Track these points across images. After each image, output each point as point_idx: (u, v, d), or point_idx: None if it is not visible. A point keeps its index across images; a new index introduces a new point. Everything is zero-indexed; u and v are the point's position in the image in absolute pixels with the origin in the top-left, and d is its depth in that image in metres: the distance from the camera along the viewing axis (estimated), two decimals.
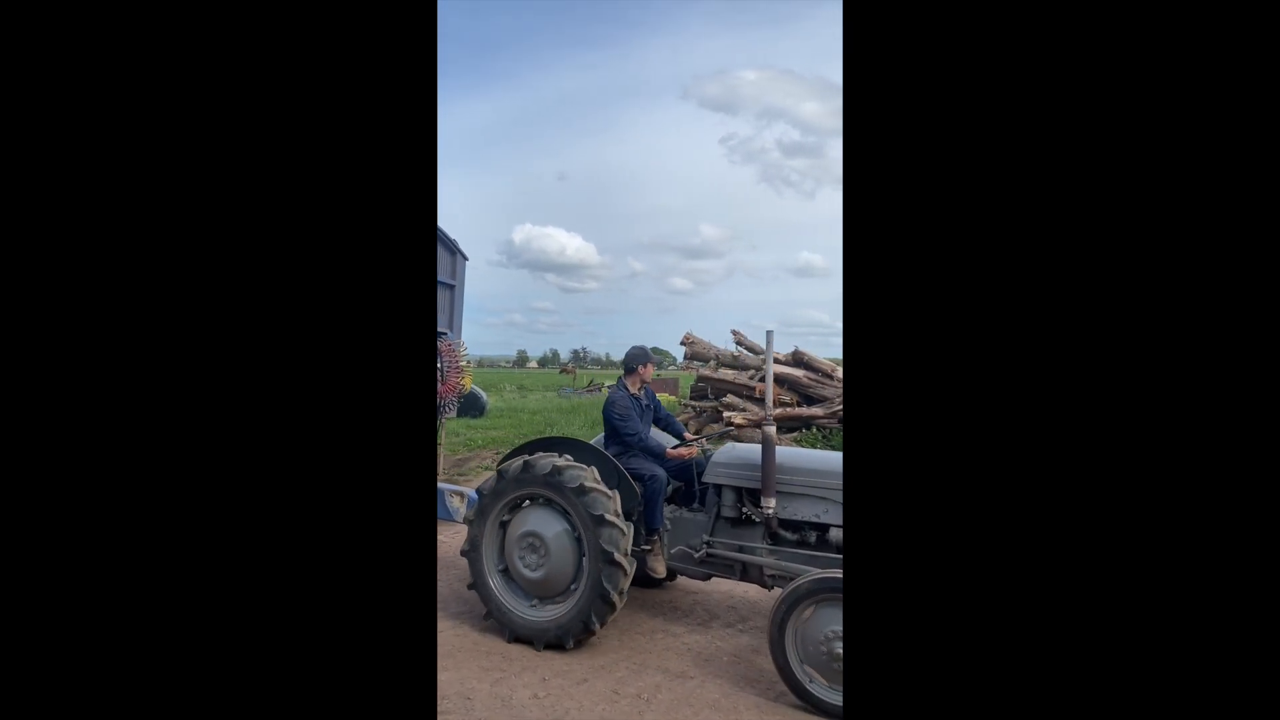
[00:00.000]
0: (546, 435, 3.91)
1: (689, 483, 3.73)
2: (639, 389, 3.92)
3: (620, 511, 3.33)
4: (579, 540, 3.36)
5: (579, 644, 3.37)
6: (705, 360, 11.09)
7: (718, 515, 3.58)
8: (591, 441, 3.77)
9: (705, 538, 3.53)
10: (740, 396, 9.87)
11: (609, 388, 3.99)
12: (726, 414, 9.38)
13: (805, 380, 9.65)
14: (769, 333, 3.47)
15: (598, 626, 3.31)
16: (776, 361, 10.15)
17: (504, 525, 3.60)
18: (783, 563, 3.34)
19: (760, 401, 9.66)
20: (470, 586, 3.61)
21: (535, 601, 3.49)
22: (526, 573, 3.45)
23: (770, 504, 3.33)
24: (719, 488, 3.57)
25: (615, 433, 3.70)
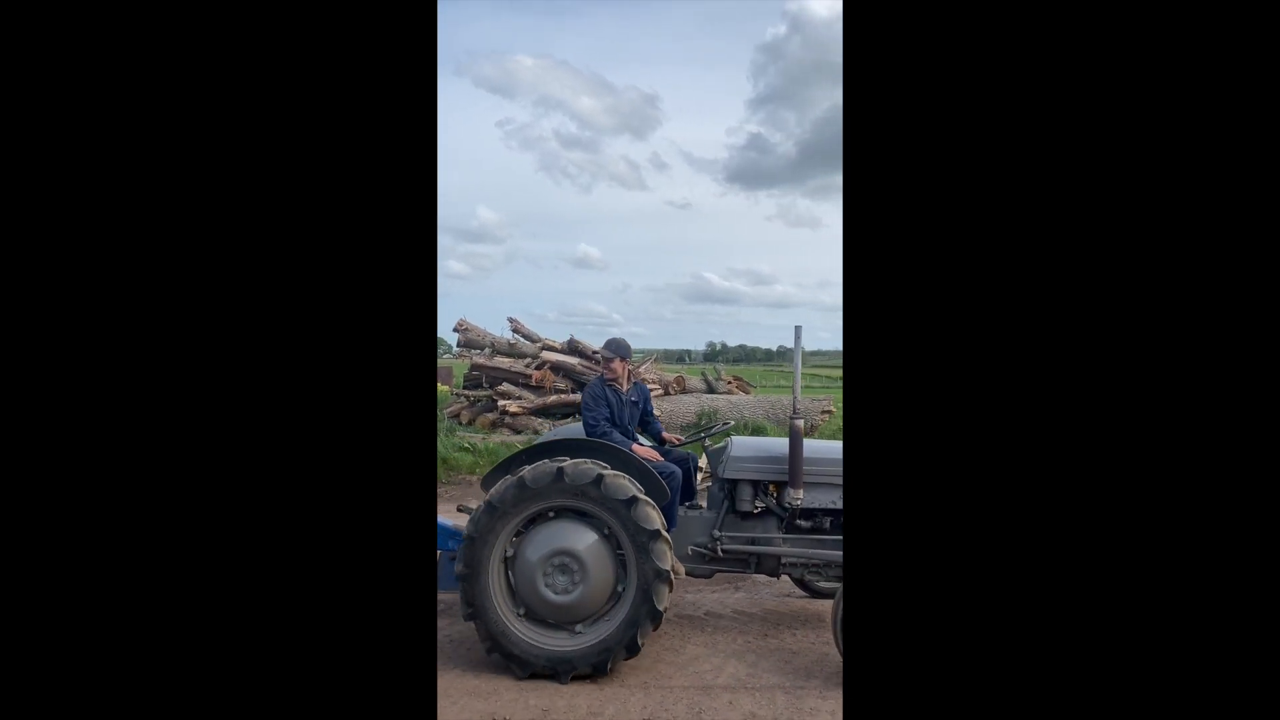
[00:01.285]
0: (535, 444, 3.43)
1: (686, 479, 3.59)
2: (626, 382, 3.74)
3: (644, 489, 3.11)
4: (613, 546, 3.10)
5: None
6: (480, 348, 10.89)
7: (729, 510, 3.54)
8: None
9: (716, 534, 3.47)
10: (516, 385, 9.88)
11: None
12: (503, 402, 9.34)
13: (579, 368, 9.99)
14: (797, 328, 3.47)
15: (663, 607, 3.04)
16: (552, 350, 10.35)
17: (508, 555, 3.10)
18: (803, 550, 3.46)
19: (537, 389, 9.77)
20: (490, 651, 3.04)
21: (580, 628, 3.10)
22: (555, 599, 3.04)
23: (799, 494, 3.39)
24: (733, 482, 3.53)
25: (586, 427, 3.52)
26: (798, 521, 3.51)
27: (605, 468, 3.08)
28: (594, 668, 3.04)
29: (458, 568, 3.07)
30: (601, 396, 3.61)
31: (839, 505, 3.44)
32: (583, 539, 3.08)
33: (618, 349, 3.73)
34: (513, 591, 3.12)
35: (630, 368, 3.80)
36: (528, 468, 3.07)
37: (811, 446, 3.57)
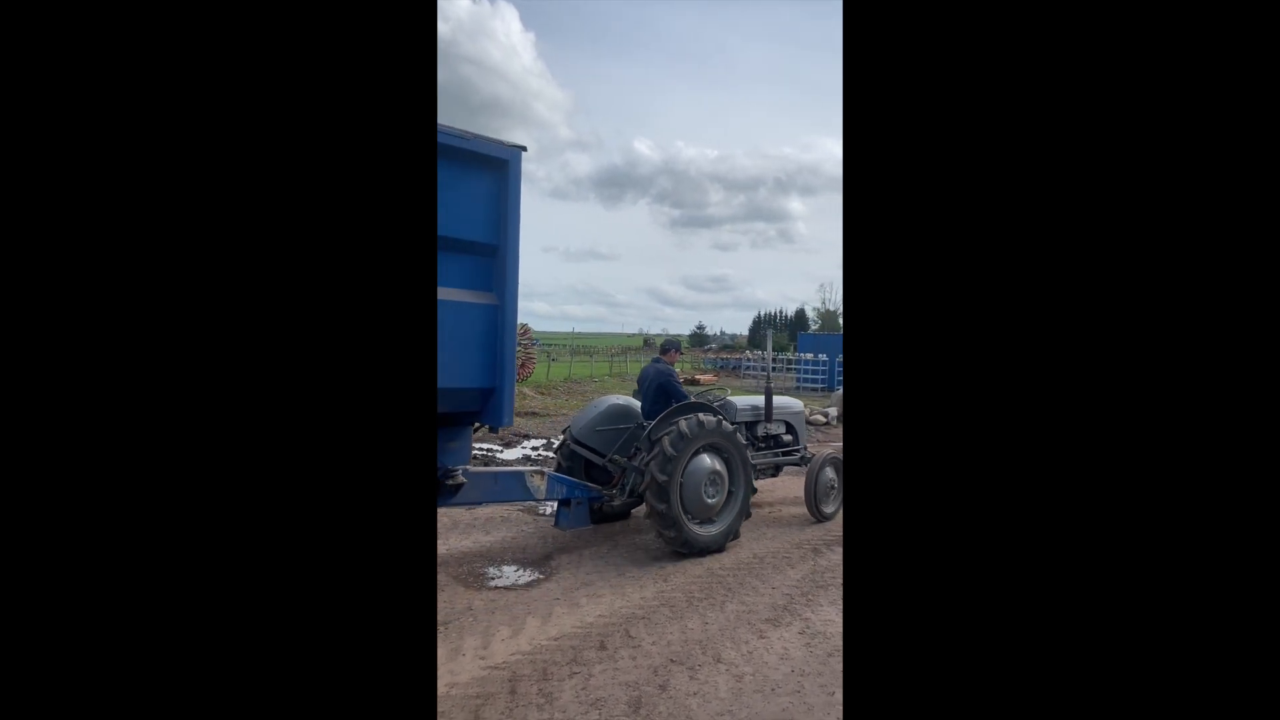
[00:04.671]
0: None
1: None
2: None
3: None
4: (728, 469, 5.07)
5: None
6: None
7: None
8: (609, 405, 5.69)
9: None
10: None
11: (652, 362, 5.74)
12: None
13: None
14: (767, 332, 7.25)
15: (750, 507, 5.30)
16: None
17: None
18: (763, 460, 6.00)
19: None
20: (672, 536, 4.71)
21: (698, 522, 4.90)
22: (709, 501, 4.92)
23: (770, 428, 6.13)
24: (735, 424, 5.39)
25: (678, 396, 5.29)
26: (759, 444, 6.08)
27: (716, 416, 5.08)
28: (718, 550, 4.96)
29: (659, 478, 4.59)
30: (676, 375, 5.51)
31: (776, 432, 6.25)
32: (720, 465, 4.98)
33: (677, 346, 5.92)
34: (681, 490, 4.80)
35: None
36: (705, 413, 4.99)
37: (766, 400, 6.17)
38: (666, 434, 4.70)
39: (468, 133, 3.48)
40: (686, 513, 4.77)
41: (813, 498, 5.84)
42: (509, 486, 4.48)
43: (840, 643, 3.49)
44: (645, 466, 4.67)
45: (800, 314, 68.32)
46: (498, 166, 3.67)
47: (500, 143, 3.63)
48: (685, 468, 4.73)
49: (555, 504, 5.10)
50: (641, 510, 5.20)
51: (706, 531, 4.88)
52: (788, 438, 6.35)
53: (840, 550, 5.14)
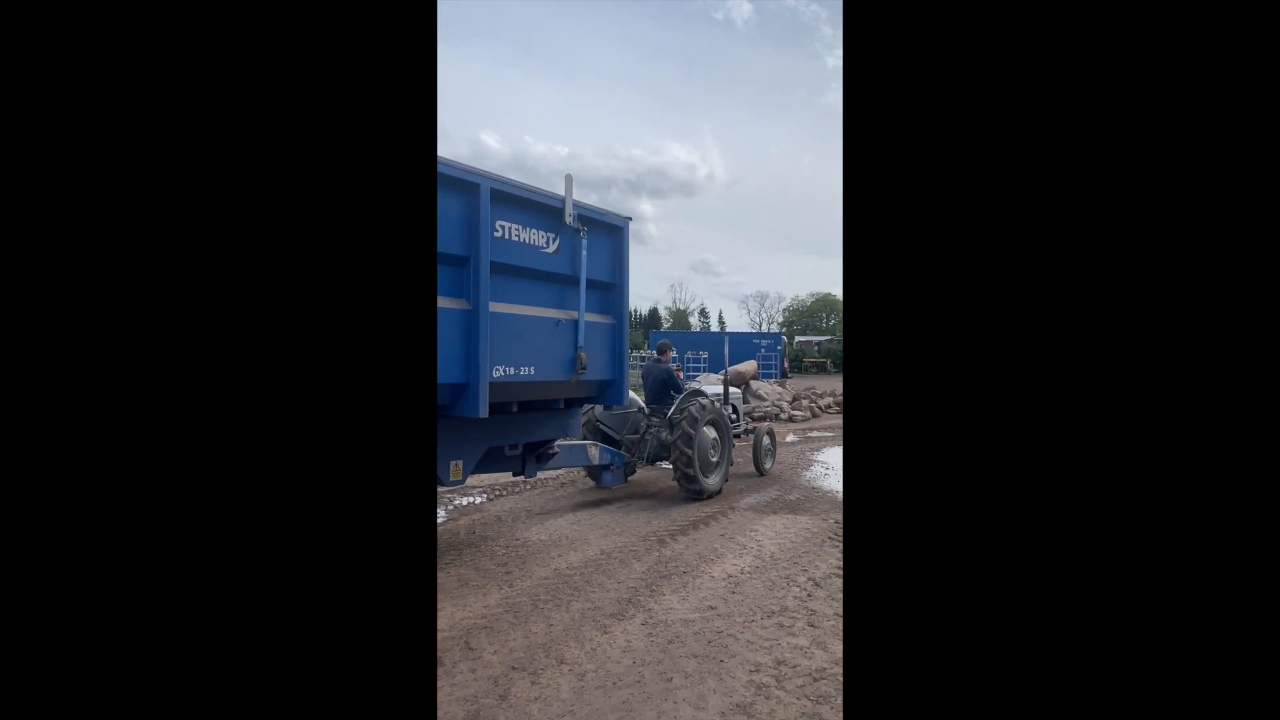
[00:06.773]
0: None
1: None
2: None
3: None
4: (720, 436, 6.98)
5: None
6: None
7: None
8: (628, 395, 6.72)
9: None
10: None
11: (653, 361, 7.67)
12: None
13: None
14: (727, 335, 8.13)
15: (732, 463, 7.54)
16: None
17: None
18: None
19: None
20: (691, 487, 6.56)
21: (706, 474, 6.70)
22: (713, 458, 6.80)
23: (726, 408, 7.67)
24: None
25: (677, 388, 7.18)
26: None
27: (712, 400, 7.17)
28: (717, 494, 6.83)
29: (686, 451, 6.42)
30: (674, 370, 7.37)
31: (727, 411, 7.64)
32: (715, 433, 6.86)
33: (670, 346, 7.88)
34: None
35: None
36: (703, 398, 6.92)
37: (719, 383, 8.34)
38: (684, 417, 6.44)
39: (601, 209, 5.36)
40: (699, 470, 6.56)
41: (757, 458, 8.17)
42: (578, 455, 6.04)
43: (680, 630, 3.60)
44: (674, 442, 6.42)
45: (654, 312, 70.58)
46: (616, 231, 5.54)
47: (617, 215, 5.56)
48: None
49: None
50: (633, 479, 7.76)
51: (712, 481, 6.79)
52: (733, 416, 8.22)
53: (683, 540, 5.32)
